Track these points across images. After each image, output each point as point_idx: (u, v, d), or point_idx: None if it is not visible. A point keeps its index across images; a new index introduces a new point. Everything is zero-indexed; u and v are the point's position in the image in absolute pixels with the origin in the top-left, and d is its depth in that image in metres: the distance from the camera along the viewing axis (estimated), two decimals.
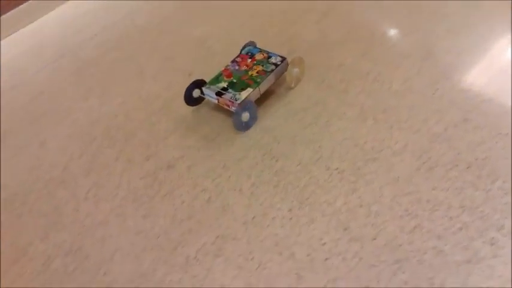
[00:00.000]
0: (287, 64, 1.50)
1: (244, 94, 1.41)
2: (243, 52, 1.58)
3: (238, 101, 1.39)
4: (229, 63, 1.54)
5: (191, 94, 1.50)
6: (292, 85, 1.54)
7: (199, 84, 1.50)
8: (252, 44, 1.61)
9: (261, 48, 1.58)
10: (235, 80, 1.47)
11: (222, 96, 1.43)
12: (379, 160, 1.26)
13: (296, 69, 1.52)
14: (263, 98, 1.50)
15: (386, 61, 1.58)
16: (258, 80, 1.45)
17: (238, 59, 1.55)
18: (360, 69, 1.56)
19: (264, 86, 1.47)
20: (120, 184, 1.36)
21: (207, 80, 1.50)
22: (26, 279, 1.18)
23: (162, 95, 1.65)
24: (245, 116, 1.40)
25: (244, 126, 1.42)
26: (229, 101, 1.41)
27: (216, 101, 1.46)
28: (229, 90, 1.44)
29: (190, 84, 1.49)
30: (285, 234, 1.14)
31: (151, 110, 1.60)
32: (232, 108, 1.41)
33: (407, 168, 1.23)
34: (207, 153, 1.39)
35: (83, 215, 1.30)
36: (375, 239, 1.09)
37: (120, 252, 1.19)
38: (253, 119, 1.44)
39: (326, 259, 1.07)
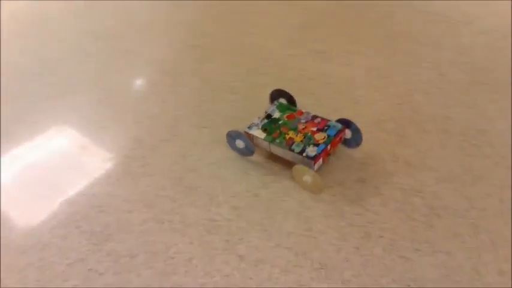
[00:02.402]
0: (307, 164, 1.24)
1: (255, 131, 1.32)
2: (331, 122, 1.32)
3: (246, 130, 1.34)
4: (310, 113, 1.36)
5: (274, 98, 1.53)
6: (294, 180, 1.32)
7: (284, 96, 1.49)
8: (348, 127, 1.33)
9: (338, 131, 1.29)
10: (281, 122, 1.34)
11: (259, 117, 1.38)
12: None
13: (308, 178, 1.26)
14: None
15: None
16: (278, 140, 1.28)
17: (317, 120, 1.33)
18: None
19: (277, 151, 1.31)
20: None
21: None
22: None
23: None
24: (238, 142, 1.38)
25: (235, 148, 1.41)
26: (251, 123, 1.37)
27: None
28: (265, 120, 1.35)
29: (277, 90, 1.49)
30: None
31: None
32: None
33: None
34: None
35: None
36: None
37: None
38: (246, 152, 1.39)
39: None
